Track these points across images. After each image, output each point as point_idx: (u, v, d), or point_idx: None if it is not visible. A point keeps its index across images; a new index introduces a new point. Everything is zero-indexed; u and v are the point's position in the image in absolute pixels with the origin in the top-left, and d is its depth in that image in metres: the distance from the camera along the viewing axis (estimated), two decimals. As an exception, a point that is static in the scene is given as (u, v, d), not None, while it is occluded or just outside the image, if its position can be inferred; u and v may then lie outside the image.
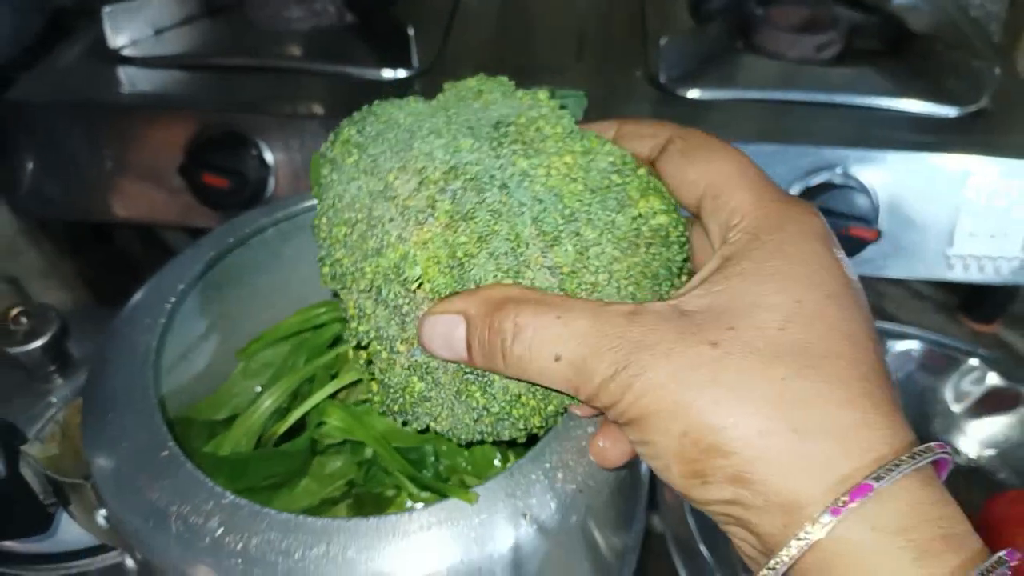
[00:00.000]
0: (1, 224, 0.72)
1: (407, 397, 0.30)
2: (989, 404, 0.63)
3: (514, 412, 0.29)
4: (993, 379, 0.63)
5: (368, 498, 0.39)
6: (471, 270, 0.27)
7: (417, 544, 0.29)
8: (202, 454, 0.36)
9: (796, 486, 0.22)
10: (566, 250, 0.28)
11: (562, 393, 0.28)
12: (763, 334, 0.24)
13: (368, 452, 0.39)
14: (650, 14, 0.80)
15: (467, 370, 0.29)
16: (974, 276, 0.65)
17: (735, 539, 0.24)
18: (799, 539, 0.22)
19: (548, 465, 0.31)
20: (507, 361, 0.26)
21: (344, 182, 0.31)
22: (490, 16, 0.81)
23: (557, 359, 0.25)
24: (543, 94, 0.33)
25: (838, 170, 0.62)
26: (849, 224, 0.61)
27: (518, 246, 0.27)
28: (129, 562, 0.40)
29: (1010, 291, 0.73)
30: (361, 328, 0.30)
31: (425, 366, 0.29)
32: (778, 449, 0.22)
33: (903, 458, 0.22)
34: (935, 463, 0.23)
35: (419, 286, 0.28)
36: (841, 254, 0.26)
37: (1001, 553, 0.21)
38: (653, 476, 0.29)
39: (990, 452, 0.62)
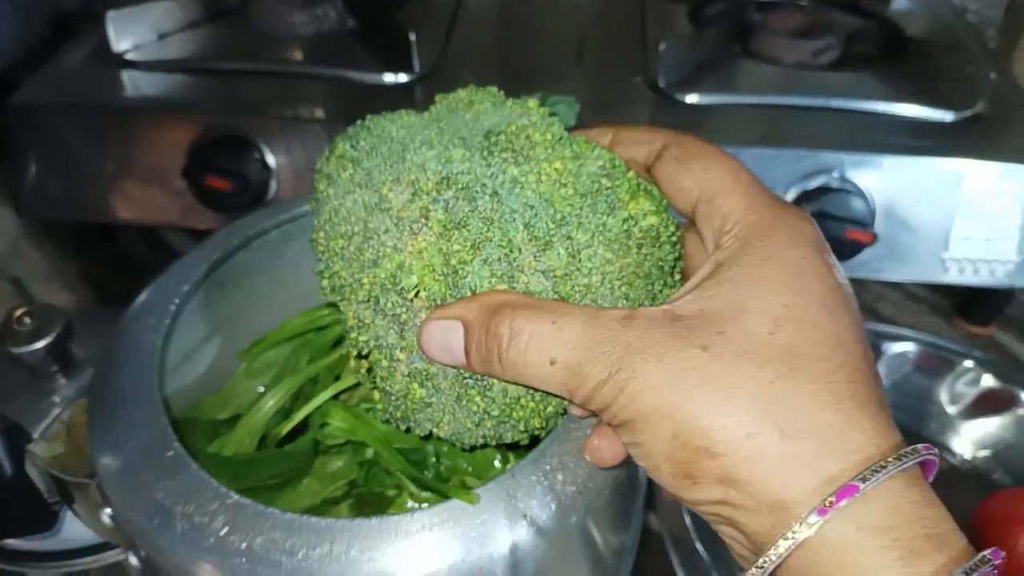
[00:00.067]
0: (5, 226, 0.73)
1: (408, 404, 0.30)
2: (984, 405, 0.63)
3: (514, 415, 0.30)
4: (988, 381, 0.63)
5: (369, 498, 0.39)
6: (466, 277, 0.28)
7: (419, 544, 0.29)
8: (205, 454, 0.36)
9: (783, 486, 0.22)
10: (558, 254, 0.28)
11: (559, 396, 0.28)
12: (752, 338, 0.24)
13: (369, 452, 0.40)
14: (649, 19, 0.80)
15: (466, 375, 0.29)
16: (969, 279, 0.65)
17: (726, 537, 0.25)
18: (786, 538, 0.22)
19: (548, 467, 0.31)
20: (503, 365, 0.26)
21: (340, 196, 0.31)
22: (490, 21, 0.82)
23: (552, 363, 0.25)
24: (532, 102, 0.34)
25: (835, 174, 0.63)
26: (845, 227, 0.62)
27: (511, 252, 0.28)
28: (132, 560, 0.40)
29: (1005, 294, 0.74)
30: (361, 338, 0.31)
31: (425, 372, 0.30)
32: (766, 450, 0.23)
33: (889, 459, 0.22)
34: (922, 464, 0.23)
35: (416, 294, 0.28)
36: (832, 259, 0.27)
37: (985, 552, 0.22)
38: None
39: (985, 453, 0.62)
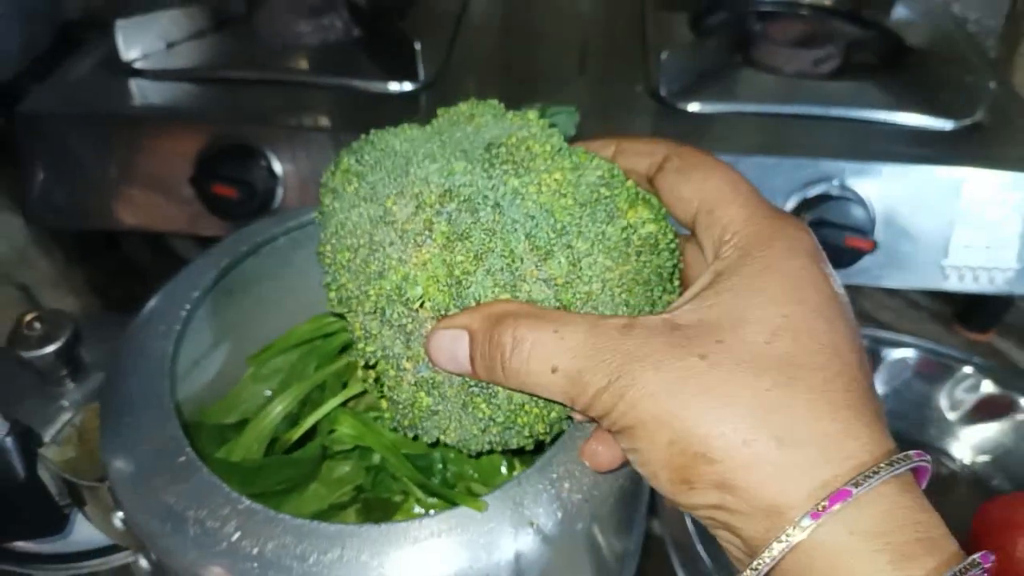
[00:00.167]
0: (13, 233, 0.73)
1: (415, 412, 0.31)
2: (983, 411, 0.63)
3: (519, 421, 0.30)
4: (987, 387, 0.63)
5: (376, 503, 0.39)
6: (469, 287, 0.28)
7: (428, 550, 0.29)
8: (214, 459, 0.37)
9: (778, 492, 0.23)
10: (559, 262, 0.29)
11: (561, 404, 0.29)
12: (750, 347, 0.24)
13: (376, 458, 0.40)
14: (651, 28, 0.80)
15: (472, 383, 0.30)
16: (969, 286, 0.66)
17: (722, 541, 0.25)
18: (780, 541, 0.23)
19: (555, 475, 0.32)
20: (506, 373, 0.27)
21: (345, 209, 0.32)
22: (494, 31, 0.82)
23: (554, 371, 0.26)
24: (532, 114, 0.34)
25: (835, 182, 0.63)
26: (846, 235, 0.62)
27: (513, 261, 0.28)
28: (142, 563, 0.41)
29: (1004, 301, 0.74)
30: (368, 348, 0.31)
31: (431, 381, 0.30)
32: (761, 457, 0.23)
33: (882, 465, 0.23)
34: (915, 470, 0.24)
35: (421, 305, 0.29)
36: (829, 269, 0.27)
37: (975, 556, 0.22)
38: (650, 482, 0.30)
39: (984, 458, 0.63)
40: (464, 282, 0.28)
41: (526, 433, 0.31)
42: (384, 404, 0.32)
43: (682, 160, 0.31)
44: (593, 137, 0.34)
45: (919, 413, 0.65)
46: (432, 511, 0.33)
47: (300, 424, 0.39)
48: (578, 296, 0.29)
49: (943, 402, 0.65)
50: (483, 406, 0.30)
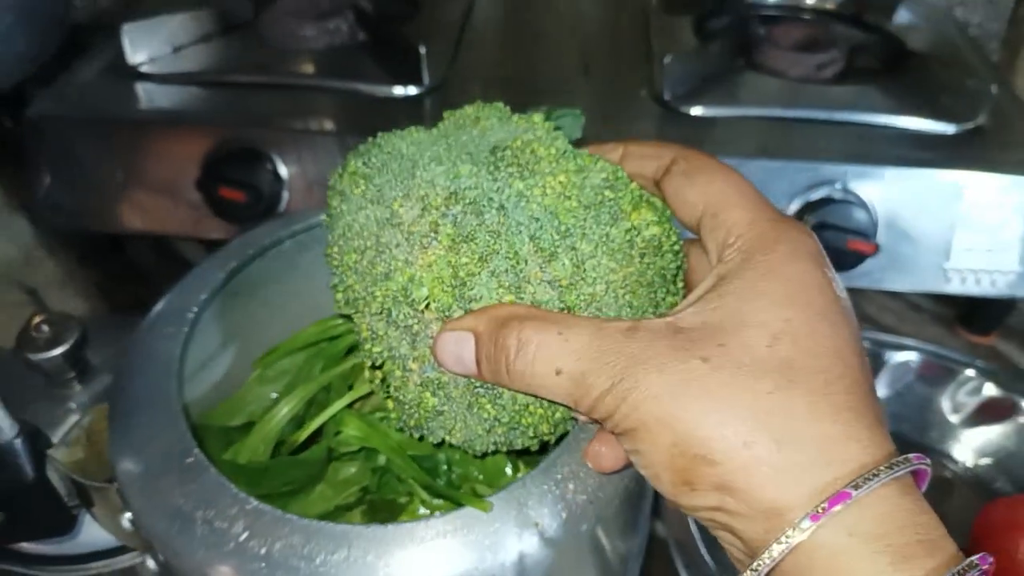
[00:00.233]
0: (20, 235, 0.74)
1: (421, 412, 0.31)
2: (985, 414, 0.64)
3: (523, 421, 0.30)
4: (989, 389, 0.64)
5: (382, 505, 0.40)
6: (474, 288, 0.29)
7: (433, 550, 0.30)
8: (221, 461, 0.37)
9: (778, 494, 0.23)
10: (563, 264, 0.29)
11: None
12: (752, 351, 0.25)
13: (381, 459, 0.40)
14: (654, 33, 0.81)
15: (477, 384, 0.30)
16: (971, 289, 0.66)
17: (723, 542, 0.25)
18: (780, 542, 0.23)
19: (560, 476, 0.32)
20: (511, 375, 0.27)
21: (352, 212, 0.32)
22: (498, 35, 0.83)
23: (558, 373, 0.26)
24: (538, 117, 0.35)
25: (838, 185, 0.64)
26: (848, 238, 0.62)
27: (517, 263, 0.29)
28: (150, 564, 0.41)
29: (1006, 304, 0.74)
30: (375, 349, 0.31)
31: (437, 382, 0.30)
32: (762, 459, 0.23)
33: (881, 468, 0.23)
34: (915, 473, 0.24)
35: (427, 306, 0.29)
36: (832, 272, 0.27)
37: (973, 558, 0.22)
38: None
39: (986, 461, 0.63)
40: (469, 284, 0.29)
41: (531, 434, 0.31)
42: (390, 404, 0.33)
43: (688, 164, 0.31)
44: (600, 141, 0.34)
45: (921, 416, 0.65)
46: (437, 512, 0.33)
47: (306, 425, 0.40)
48: (582, 298, 0.29)
49: (945, 405, 0.65)
50: (488, 407, 0.30)
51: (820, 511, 0.22)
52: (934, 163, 0.64)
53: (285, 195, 0.67)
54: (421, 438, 0.33)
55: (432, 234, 0.29)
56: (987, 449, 0.63)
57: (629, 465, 0.29)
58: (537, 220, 0.29)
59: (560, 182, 0.30)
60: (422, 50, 0.69)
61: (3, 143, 0.72)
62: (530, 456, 0.38)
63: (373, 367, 0.33)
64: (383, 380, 0.33)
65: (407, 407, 0.32)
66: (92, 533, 0.47)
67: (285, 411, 0.40)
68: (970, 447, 0.64)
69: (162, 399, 0.36)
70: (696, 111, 0.69)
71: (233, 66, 0.73)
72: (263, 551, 0.30)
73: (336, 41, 0.76)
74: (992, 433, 0.63)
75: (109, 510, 0.40)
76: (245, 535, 0.30)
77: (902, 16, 0.83)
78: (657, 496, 0.28)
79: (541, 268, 0.29)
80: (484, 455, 0.33)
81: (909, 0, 0.84)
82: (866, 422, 0.24)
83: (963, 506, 0.59)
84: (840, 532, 0.22)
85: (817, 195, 0.64)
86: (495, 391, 0.30)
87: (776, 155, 0.64)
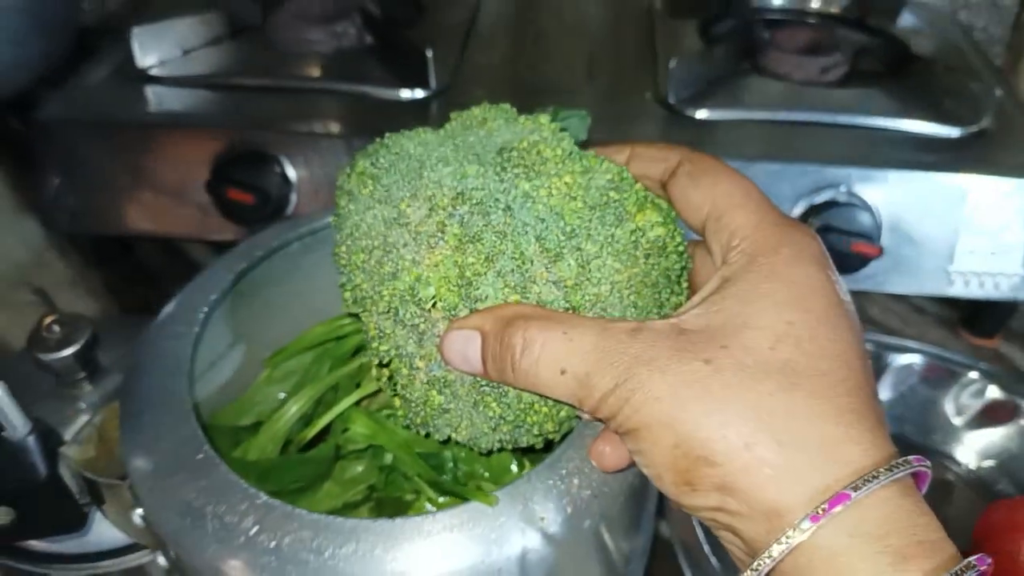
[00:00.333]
0: (31, 237, 0.74)
1: (428, 410, 0.32)
2: (988, 416, 0.64)
3: (528, 419, 0.31)
4: (993, 392, 0.64)
5: (388, 502, 0.40)
6: (480, 288, 0.29)
7: (440, 544, 0.30)
8: (230, 459, 0.38)
9: (778, 495, 0.23)
10: (569, 265, 0.29)
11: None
12: (754, 353, 0.25)
13: (388, 457, 0.40)
14: (659, 36, 0.81)
15: (483, 382, 0.30)
16: (974, 292, 0.66)
17: (724, 542, 0.26)
18: (780, 543, 0.23)
19: (564, 471, 0.32)
20: (516, 374, 0.27)
21: (360, 211, 0.32)
22: (504, 38, 0.83)
23: (562, 372, 0.26)
24: (544, 118, 0.35)
25: (842, 188, 0.64)
26: (852, 241, 0.63)
27: (523, 263, 0.29)
28: (160, 561, 0.41)
29: (1009, 306, 0.74)
30: (382, 348, 0.32)
31: (443, 380, 0.31)
32: (762, 460, 0.23)
33: (881, 470, 0.23)
34: (915, 475, 0.24)
35: (433, 305, 0.30)
36: (835, 275, 0.27)
37: (971, 559, 0.22)
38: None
39: (989, 463, 0.63)
40: (475, 283, 0.29)
41: (536, 431, 0.31)
42: (397, 402, 0.33)
43: (694, 166, 0.31)
44: (607, 143, 0.35)
45: (924, 418, 0.65)
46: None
47: (314, 423, 0.40)
48: (587, 298, 0.29)
49: (948, 407, 0.65)
50: (494, 405, 0.30)
51: (820, 512, 0.22)
52: (938, 166, 0.64)
53: (293, 197, 0.67)
54: (427, 435, 0.33)
55: (439, 234, 0.30)
56: (990, 451, 0.63)
57: (633, 464, 0.30)
58: (543, 221, 0.30)
59: (566, 183, 0.31)
60: (428, 53, 0.69)
61: (13, 146, 0.73)
62: (535, 454, 0.38)
63: (380, 365, 0.33)
64: (390, 378, 0.33)
65: (414, 405, 0.32)
66: (102, 532, 0.47)
67: (293, 410, 0.41)
68: (973, 449, 0.64)
69: (172, 398, 0.36)
70: (701, 114, 0.70)
71: (241, 69, 0.74)
72: (273, 545, 0.30)
73: (343, 44, 0.77)
74: (995, 435, 0.63)
75: (121, 507, 0.41)
76: (255, 530, 0.31)
77: (906, 20, 0.83)
78: (661, 496, 0.28)
79: (547, 268, 0.29)
80: (489, 453, 0.34)
81: (913, 4, 0.85)
82: (867, 424, 0.24)
83: (965, 508, 0.59)
84: (840, 533, 0.23)
85: (821, 198, 0.64)
86: (501, 389, 0.30)
87: (780, 158, 0.64)
